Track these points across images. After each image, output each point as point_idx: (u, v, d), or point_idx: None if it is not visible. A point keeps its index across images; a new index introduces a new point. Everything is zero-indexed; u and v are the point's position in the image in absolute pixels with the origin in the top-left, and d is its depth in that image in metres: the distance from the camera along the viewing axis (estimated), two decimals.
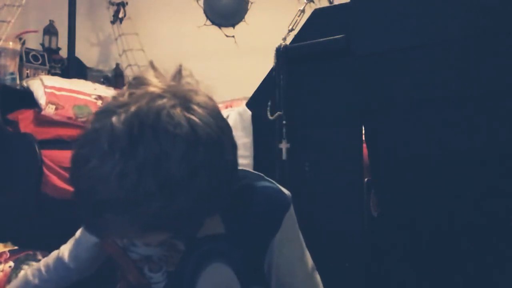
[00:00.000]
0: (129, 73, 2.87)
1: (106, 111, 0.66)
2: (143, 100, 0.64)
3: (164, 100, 0.64)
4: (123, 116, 0.63)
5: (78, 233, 0.96)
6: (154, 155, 0.61)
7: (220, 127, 0.67)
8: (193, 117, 0.64)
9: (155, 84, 0.67)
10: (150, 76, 0.69)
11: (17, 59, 2.12)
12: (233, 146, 0.71)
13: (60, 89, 1.99)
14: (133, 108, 0.64)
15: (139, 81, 0.68)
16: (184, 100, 0.66)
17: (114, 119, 0.63)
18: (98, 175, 0.62)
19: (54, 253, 0.99)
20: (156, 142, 0.62)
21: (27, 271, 1.01)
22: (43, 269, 0.98)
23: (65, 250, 0.97)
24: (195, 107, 0.66)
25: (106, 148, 0.62)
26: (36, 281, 0.97)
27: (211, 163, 0.65)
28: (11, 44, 2.06)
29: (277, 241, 0.79)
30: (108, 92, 2.09)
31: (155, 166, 0.62)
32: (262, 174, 0.84)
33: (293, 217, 0.83)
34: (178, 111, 0.64)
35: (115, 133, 0.62)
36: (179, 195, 0.63)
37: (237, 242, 0.77)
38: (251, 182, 0.81)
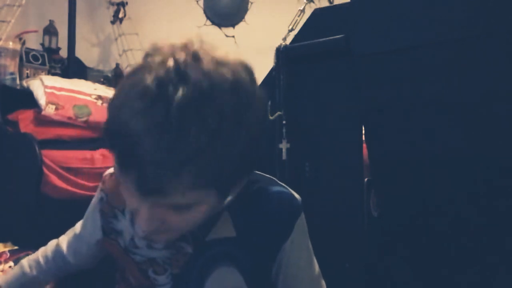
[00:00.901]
0: None
1: (136, 73, 0.62)
2: (170, 54, 0.62)
3: (195, 49, 0.63)
4: (160, 68, 0.60)
5: (78, 226, 0.93)
6: (202, 89, 0.59)
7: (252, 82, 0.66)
8: (229, 63, 0.63)
9: (175, 45, 0.64)
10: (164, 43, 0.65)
11: (17, 59, 2.12)
12: (265, 105, 0.69)
13: (60, 89, 1.99)
14: (167, 59, 0.60)
15: (155, 47, 0.65)
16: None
17: (148, 73, 0.60)
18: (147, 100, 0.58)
19: (52, 243, 0.97)
20: (205, 78, 0.59)
21: (22, 261, 0.98)
22: (41, 259, 0.96)
23: (63, 242, 0.95)
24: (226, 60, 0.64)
25: (153, 89, 0.58)
26: (34, 272, 0.95)
27: (252, 107, 0.63)
28: (11, 44, 2.06)
29: (287, 246, 0.79)
30: (108, 92, 2.09)
31: (204, 99, 0.58)
32: (274, 178, 0.83)
33: (304, 223, 0.82)
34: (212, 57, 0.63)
35: (159, 75, 0.59)
36: (222, 133, 0.59)
37: (248, 246, 0.76)
38: (264, 186, 0.80)
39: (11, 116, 1.92)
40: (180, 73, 0.59)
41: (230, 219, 0.76)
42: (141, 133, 0.57)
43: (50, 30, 2.49)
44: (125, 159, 0.60)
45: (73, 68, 2.46)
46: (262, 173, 0.83)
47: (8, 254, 1.52)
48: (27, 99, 1.94)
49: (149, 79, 0.59)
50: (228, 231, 0.76)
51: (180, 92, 0.58)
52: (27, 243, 1.55)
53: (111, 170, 0.84)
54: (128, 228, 0.82)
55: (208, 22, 2.45)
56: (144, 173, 0.58)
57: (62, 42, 2.51)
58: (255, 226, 0.77)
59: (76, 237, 0.93)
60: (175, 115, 0.57)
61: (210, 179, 0.61)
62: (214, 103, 0.59)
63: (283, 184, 0.82)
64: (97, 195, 0.87)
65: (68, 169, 1.78)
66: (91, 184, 1.76)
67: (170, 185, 0.59)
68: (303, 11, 1.72)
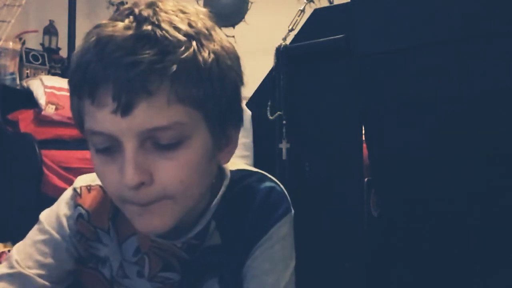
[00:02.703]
0: None
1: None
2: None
3: None
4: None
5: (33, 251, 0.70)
6: (171, 9, 0.58)
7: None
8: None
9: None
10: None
11: (17, 59, 2.12)
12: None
13: (60, 89, 1.99)
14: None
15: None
16: None
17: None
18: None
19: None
20: (174, 6, 0.59)
21: None
22: None
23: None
24: None
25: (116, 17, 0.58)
26: None
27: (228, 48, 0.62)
28: (11, 44, 2.07)
29: (260, 245, 0.70)
30: None
31: (176, 13, 0.57)
32: (266, 174, 0.76)
33: (288, 230, 0.72)
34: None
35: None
36: (205, 49, 0.57)
37: (232, 251, 0.70)
38: (252, 183, 0.73)
39: (11, 116, 1.93)
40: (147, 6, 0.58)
41: (216, 227, 0.70)
42: (111, 38, 0.53)
43: (50, 30, 2.49)
44: (98, 77, 0.53)
45: None
46: (254, 169, 0.76)
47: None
48: (27, 99, 1.95)
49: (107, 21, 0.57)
50: (214, 239, 0.70)
51: (149, 10, 0.56)
52: None
53: (83, 180, 0.74)
54: (116, 253, 0.71)
55: None
56: (121, 78, 0.52)
57: (62, 42, 2.51)
58: (239, 228, 0.70)
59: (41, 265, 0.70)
60: (149, 19, 0.54)
61: (192, 94, 0.55)
62: (188, 17, 0.57)
63: (276, 181, 0.75)
64: (66, 209, 0.72)
65: (68, 169, 1.78)
66: None
67: (153, 87, 0.53)
68: (303, 11, 1.72)
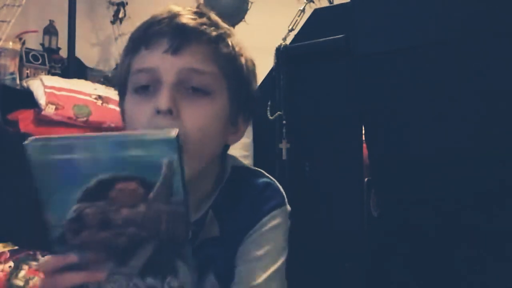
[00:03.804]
0: None
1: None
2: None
3: None
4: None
5: None
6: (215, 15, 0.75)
7: None
8: None
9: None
10: None
11: (17, 59, 2.11)
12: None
13: (60, 89, 1.98)
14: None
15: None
16: None
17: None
18: None
19: None
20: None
21: None
22: None
23: None
24: None
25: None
26: None
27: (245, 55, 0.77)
28: (11, 44, 2.06)
29: (252, 233, 0.72)
30: (108, 92, 2.09)
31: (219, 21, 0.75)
32: (261, 171, 0.79)
33: (283, 223, 0.75)
34: None
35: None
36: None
37: (230, 243, 0.73)
38: (248, 178, 0.77)
39: (11, 116, 1.92)
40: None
41: (215, 218, 0.74)
42: (173, 8, 0.70)
43: (50, 30, 2.49)
44: (158, 29, 0.68)
45: (73, 68, 2.46)
46: (249, 166, 0.81)
47: (8, 254, 1.52)
48: (27, 99, 1.94)
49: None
50: (213, 231, 0.73)
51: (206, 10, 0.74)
52: (27, 243, 1.55)
53: None
54: None
55: None
56: (177, 28, 0.67)
57: (62, 42, 2.51)
58: (235, 219, 0.73)
59: None
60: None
61: (224, 63, 0.70)
62: (230, 28, 0.75)
63: (273, 179, 0.78)
64: None
65: None
66: None
67: (200, 38, 0.68)
68: (303, 11, 1.72)
